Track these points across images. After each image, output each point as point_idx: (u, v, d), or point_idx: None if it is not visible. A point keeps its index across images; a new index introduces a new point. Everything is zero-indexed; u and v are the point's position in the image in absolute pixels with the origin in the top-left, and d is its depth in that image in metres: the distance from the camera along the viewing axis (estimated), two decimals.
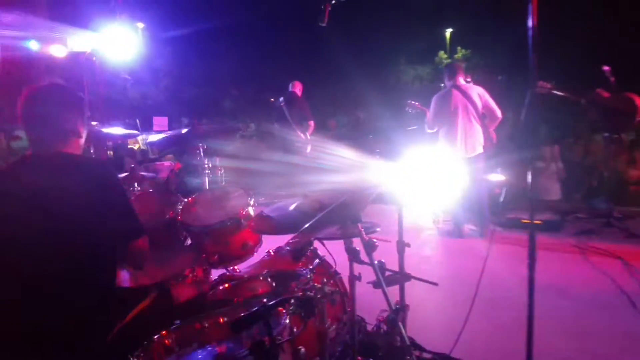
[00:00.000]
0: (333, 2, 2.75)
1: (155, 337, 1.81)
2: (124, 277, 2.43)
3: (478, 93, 5.78)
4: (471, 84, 5.90)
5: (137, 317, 1.99)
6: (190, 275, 2.45)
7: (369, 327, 2.89)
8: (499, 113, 5.80)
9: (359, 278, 2.35)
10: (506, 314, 3.40)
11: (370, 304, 2.62)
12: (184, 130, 3.15)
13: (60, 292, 1.87)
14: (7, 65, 5.63)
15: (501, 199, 6.22)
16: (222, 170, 3.01)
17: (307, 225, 1.87)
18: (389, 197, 7.02)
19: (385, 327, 2.51)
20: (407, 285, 2.54)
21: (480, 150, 5.78)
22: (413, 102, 6.33)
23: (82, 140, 2.16)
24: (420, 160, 6.06)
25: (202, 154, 2.95)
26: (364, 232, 1.98)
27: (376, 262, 2.31)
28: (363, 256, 2.39)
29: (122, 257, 2.14)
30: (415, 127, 6.31)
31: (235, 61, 14.85)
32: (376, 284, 2.21)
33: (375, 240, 2.09)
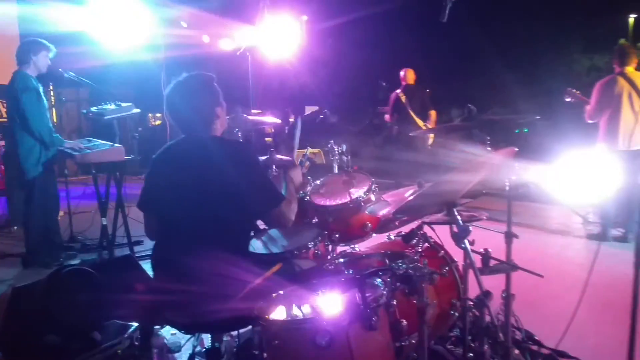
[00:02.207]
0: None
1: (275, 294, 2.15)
2: (258, 246, 2.81)
3: None
4: None
5: (267, 280, 2.35)
6: (313, 248, 2.75)
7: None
8: None
9: (472, 265, 2.46)
10: None
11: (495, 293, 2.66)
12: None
13: (207, 241, 2.32)
14: (183, 57, 6.51)
15: None
16: (349, 157, 3.27)
17: (402, 205, 2.05)
18: (535, 195, 6.83)
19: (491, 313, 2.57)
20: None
21: None
22: (574, 91, 5.94)
23: (221, 122, 2.54)
24: (574, 157, 5.82)
25: (332, 142, 3.25)
26: (460, 219, 2.10)
27: (482, 250, 2.42)
28: (478, 245, 2.51)
29: (268, 222, 2.60)
30: (570, 100, 5.90)
31: (390, 51, 15.06)
32: (480, 271, 2.31)
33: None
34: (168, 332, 3.21)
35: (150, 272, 2.79)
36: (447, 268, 2.82)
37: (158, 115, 10.54)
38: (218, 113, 2.50)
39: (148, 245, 3.75)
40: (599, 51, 23.40)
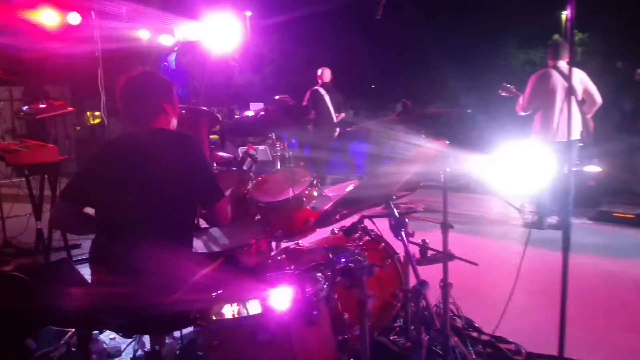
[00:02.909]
0: None
1: (215, 294, 2.11)
2: (199, 245, 2.76)
3: (579, 76, 5.57)
4: (573, 67, 5.64)
5: (206, 277, 2.31)
6: (255, 245, 2.73)
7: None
8: (598, 98, 5.58)
9: (412, 255, 2.50)
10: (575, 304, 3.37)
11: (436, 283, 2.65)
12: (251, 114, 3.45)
13: (148, 238, 2.27)
14: (121, 53, 6.31)
15: None
16: (291, 153, 3.27)
17: (341, 199, 2.06)
18: (473, 186, 7.04)
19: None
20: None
21: (577, 136, 5.57)
22: (508, 85, 6.12)
23: (172, 118, 2.53)
24: (510, 149, 6.02)
25: (274, 137, 3.24)
26: (396, 211, 2.13)
27: (420, 242, 2.47)
28: (419, 236, 2.56)
29: (208, 217, 2.62)
30: (505, 95, 6.10)
31: (336, 48, 15.14)
32: (419, 261, 2.36)
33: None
34: (107, 337, 3.11)
35: (87, 274, 2.69)
36: (388, 260, 2.87)
37: (97, 113, 10.18)
38: (167, 110, 2.50)
39: (85, 248, 3.60)
40: (534, 46, 24.31)
